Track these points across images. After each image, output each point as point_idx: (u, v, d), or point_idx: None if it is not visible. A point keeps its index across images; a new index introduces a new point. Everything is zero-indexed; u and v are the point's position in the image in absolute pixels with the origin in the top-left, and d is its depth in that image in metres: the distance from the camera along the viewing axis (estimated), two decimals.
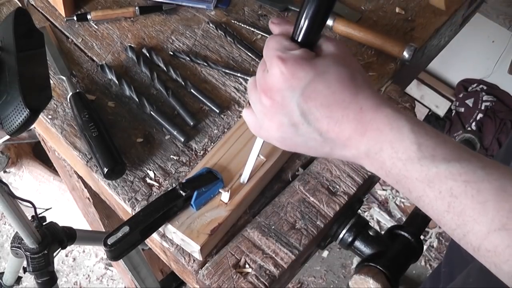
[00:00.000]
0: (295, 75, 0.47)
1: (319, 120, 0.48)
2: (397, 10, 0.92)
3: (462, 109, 1.94)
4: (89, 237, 1.20)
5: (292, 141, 0.51)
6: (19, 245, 1.01)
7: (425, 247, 1.95)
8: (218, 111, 0.79)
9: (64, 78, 0.82)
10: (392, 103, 0.48)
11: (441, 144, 0.44)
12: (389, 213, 2.02)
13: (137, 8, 0.91)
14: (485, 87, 1.93)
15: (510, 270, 0.40)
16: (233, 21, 0.91)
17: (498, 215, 0.40)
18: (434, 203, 0.44)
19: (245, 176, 0.67)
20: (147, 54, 0.86)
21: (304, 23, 0.49)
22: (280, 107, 0.49)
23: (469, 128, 1.90)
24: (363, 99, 0.47)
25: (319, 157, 0.74)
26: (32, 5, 0.95)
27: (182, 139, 0.76)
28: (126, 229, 0.61)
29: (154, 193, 0.72)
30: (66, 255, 1.99)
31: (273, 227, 0.67)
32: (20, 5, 0.95)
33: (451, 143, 0.45)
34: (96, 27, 0.91)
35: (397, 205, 2.02)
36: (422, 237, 0.78)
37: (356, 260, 1.93)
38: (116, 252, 0.61)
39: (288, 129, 0.50)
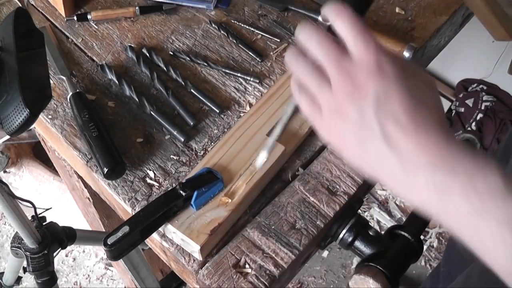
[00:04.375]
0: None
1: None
2: (397, 10, 0.92)
3: (462, 109, 1.94)
4: (89, 237, 1.20)
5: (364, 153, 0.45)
6: (19, 245, 1.01)
7: (425, 247, 1.95)
8: (218, 111, 0.79)
9: (64, 78, 0.82)
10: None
11: None
12: (389, 213, 2.01)
13: (137, 8, 0.91)
14: (485, 87, 1.92)
15: None
16: (233, 21, 0.91)
17: None
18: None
19: (269, 146, 0.57)
20: (147, 54, 0.86)
21: None
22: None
23: (469, 128, 1.90)
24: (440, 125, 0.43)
25: (320, 159, 0.74)
26: (32, 5, 0.95)
27: (182, 139, 0.76)
28: (126, 229, 0.61)
29: (154, 193, 0.72)
30: (66, 255, 1.99)
31: (273, 227, 0.67)
32: (20, 5, 0.95)
33: None
34: (96, 27, 0.91)
35: (397, 205, 2.02)
36: (422, 237, 0.78)
37: (356, 260, 1.92)
38: (116, 252, 0.61)
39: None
